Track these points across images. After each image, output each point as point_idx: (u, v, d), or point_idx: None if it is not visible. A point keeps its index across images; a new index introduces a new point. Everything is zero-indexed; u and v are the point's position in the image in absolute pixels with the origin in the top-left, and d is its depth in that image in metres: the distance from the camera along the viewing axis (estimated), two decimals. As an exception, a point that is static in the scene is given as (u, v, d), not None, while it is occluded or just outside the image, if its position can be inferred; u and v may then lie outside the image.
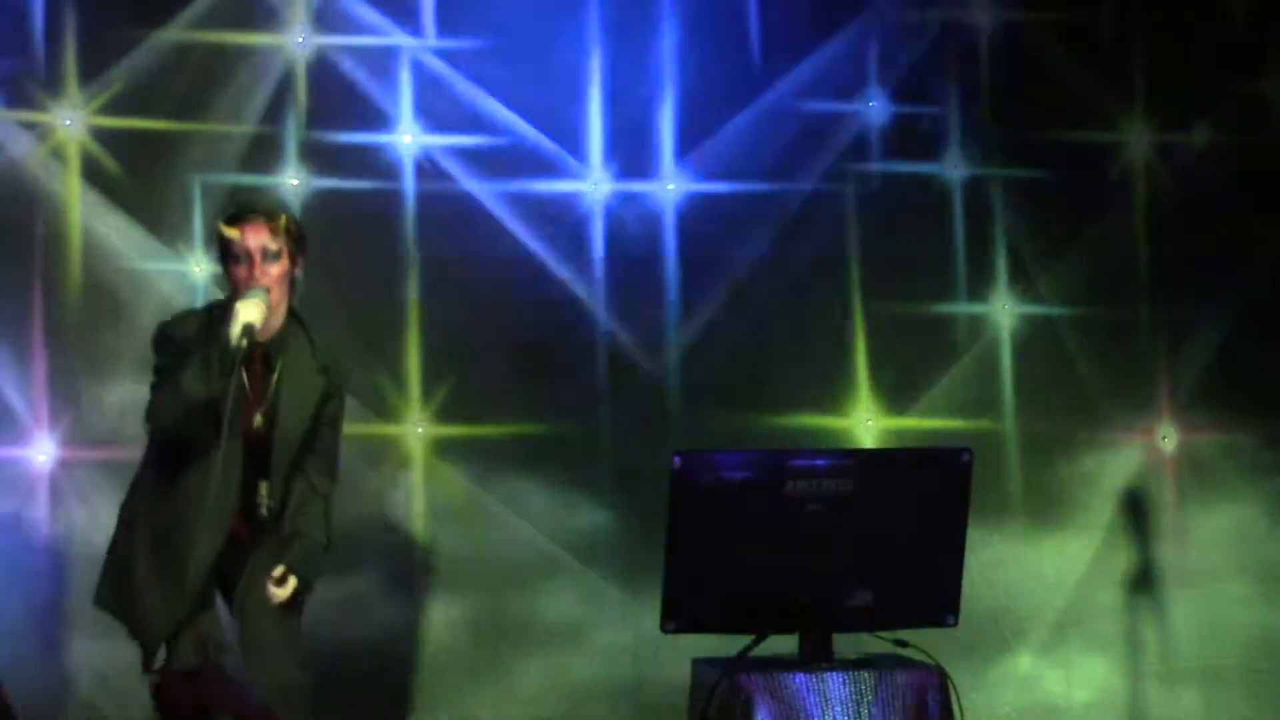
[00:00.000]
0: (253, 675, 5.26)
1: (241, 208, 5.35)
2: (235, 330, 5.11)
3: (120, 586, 5.34)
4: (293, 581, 5.30)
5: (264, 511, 5.34)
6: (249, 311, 5.14)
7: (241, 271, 5.24)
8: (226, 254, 5.29)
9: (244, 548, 5.36)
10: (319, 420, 5.40)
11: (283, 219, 5.30)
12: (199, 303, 6.72)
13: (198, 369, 5.13)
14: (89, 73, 6.78)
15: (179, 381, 5.15)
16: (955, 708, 5.27)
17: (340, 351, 5.57)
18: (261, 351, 5.28)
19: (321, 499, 5.45)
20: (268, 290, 5.22)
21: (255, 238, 5.23)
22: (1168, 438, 7.39)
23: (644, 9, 7.16)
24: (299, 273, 5.37)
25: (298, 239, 5.34)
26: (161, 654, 5.27)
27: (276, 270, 5.26)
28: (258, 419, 5.28)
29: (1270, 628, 7.35)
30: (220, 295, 6.69)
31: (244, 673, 5.28)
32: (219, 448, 5.09)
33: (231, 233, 5.23)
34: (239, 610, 5.35)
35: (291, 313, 5.36)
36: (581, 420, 7.05)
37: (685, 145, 7.17)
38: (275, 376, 5.29)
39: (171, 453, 5.28)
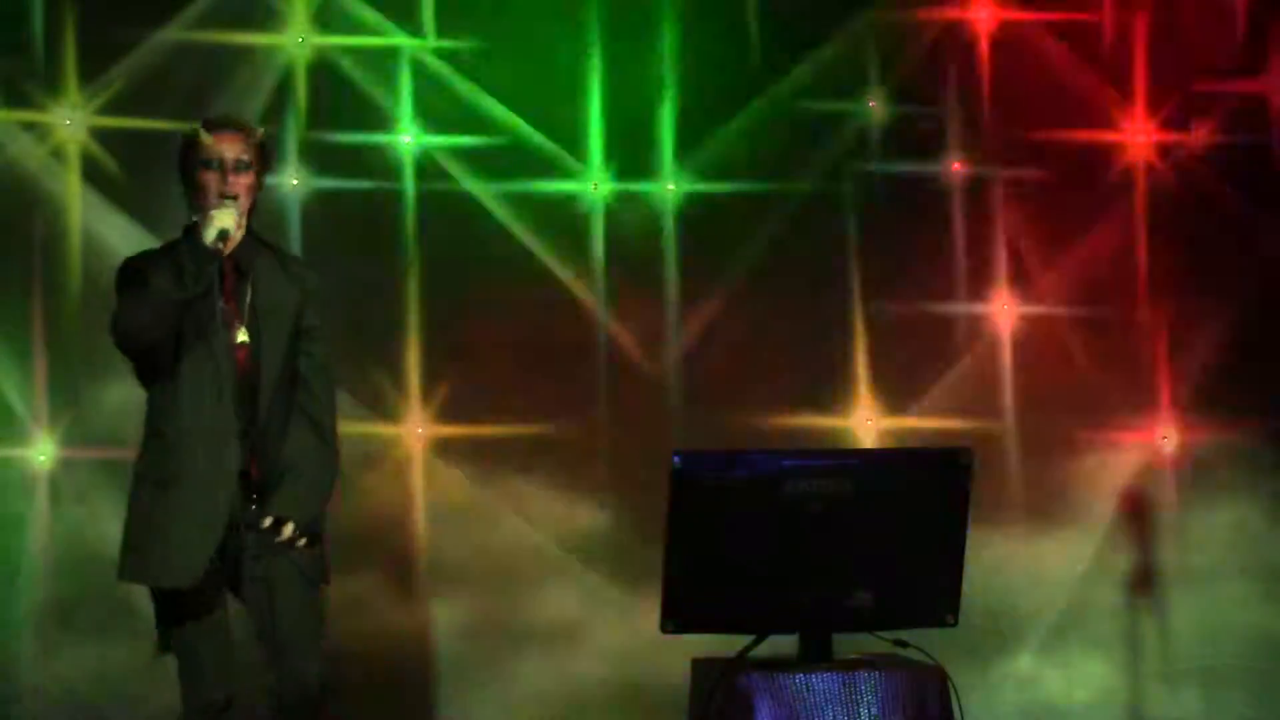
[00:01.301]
0: (273, 670, 5.22)
1: (213, 118, 5.35)
2: (210, 234, 5.11)
3: (139, 543, 5.24)
4: (289, 527, 5.19)
5: (261, 438, 5.25)
6: (224, 218, 5.15)
7: (212, 178, 5.23)
8: (195, 160, 5.26)
9: (258, 490, 5.27)
10: (301, 332, 5.35)
11: (258, 132, 5.32)
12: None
13: (168, 270, 5.13)
14: (89, 73, 6.78)
15: (148, 285, 5.13)
16: (955, 708, 5.26)
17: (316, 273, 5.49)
18: (232, 264, 5.26)
19: (319, 427, 5.36)
20: (238, 199, 5.22)
21: (230, 146, 5.24)
22: (1168, 438, 7.39)
23: (644, 9, 7.16)
24: (258, 192, 5.36)
25: (267, 156, 5.36)
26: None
27: (245, 180, 5.26)
28: (240, 334, 5.24)
29: (1270, 628, 7.34)
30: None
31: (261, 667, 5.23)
32: (204, 352, 5.11)
33: (206, 138, 5.24)
34: (261, 601, 5.26)
35: (251, 232, 5.34)
36: (581, 420, 7.05)
37: (685, 145, 7.17)
38: (250, 287, 5.28)
39: (161, 385, 5.21)
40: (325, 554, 5.39)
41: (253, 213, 5.34)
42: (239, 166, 5.25)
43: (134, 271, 5.26)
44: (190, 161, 5.29)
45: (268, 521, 5.17)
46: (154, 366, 5.24)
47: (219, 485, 5.17)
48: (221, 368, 5.16)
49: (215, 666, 5.18)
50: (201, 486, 5.16)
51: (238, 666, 5.22)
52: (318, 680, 5.25)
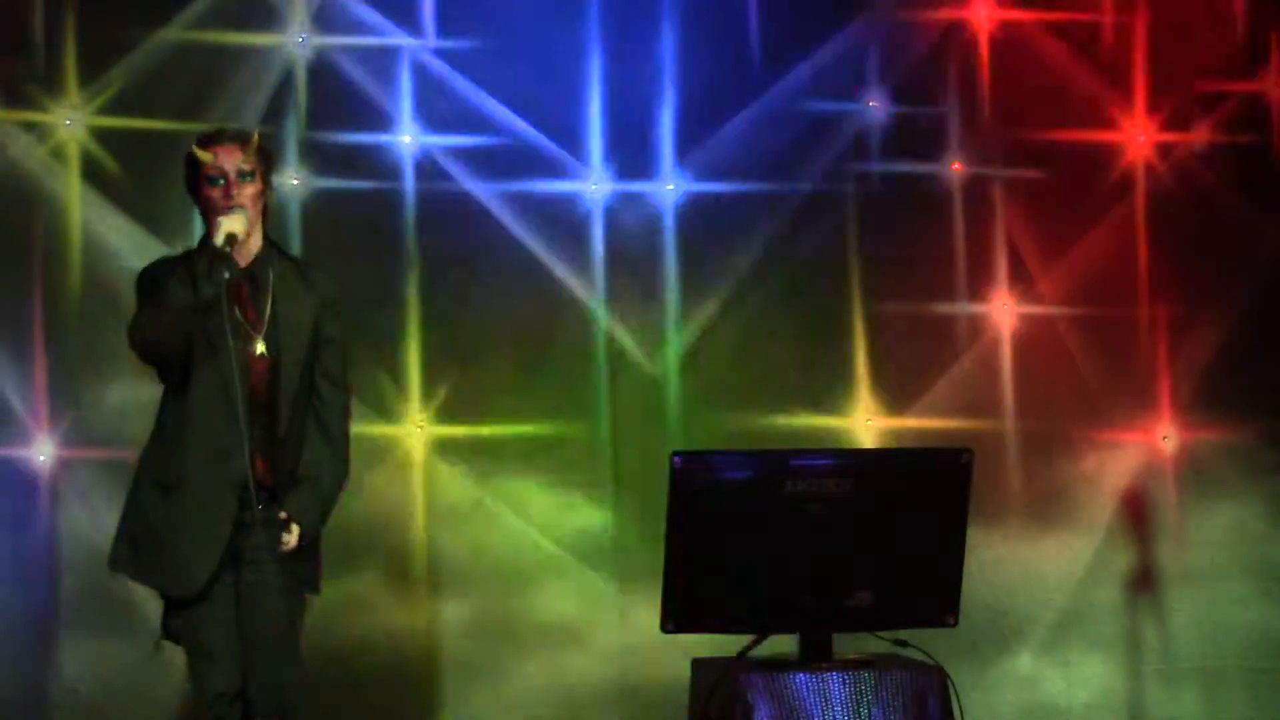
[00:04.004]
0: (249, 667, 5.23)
1: (213, 131, 5.36)
2: (219, 238, 5.13)
3: (131, 540, 5.29)
4: (294, 532, 5.24)
5: (280, 448, 5.27)
6: (232, 223, 5.16)
7: (216, 193, 5.24)
8: (198, 177, 5.27)
9: (268, 494, 5.28)
10: (319, 342, 5.37)
11: (255, 138, 5.31)
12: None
13: (182, 277, 5.15)
14: (89, 73, 6.78)
15: (163, 293, 5.16)
16: (955, 708, 5.27)
17: (335, 279, 5.50)
18: (250, 275, 5.26)
19: (331, 438, 5.39)
20: (245, 208, 5.22)
21: (229, 159, 5.24)
22: (1168, 438, 7.39)
23: (644, 9, 7.16)
24: (270, 195, 5.37)
25: (269, 159, 5.36)
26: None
27: (251, 189, 5.26)
28: (259, 347, 5.24)
29: (1270, 628, 7.35)
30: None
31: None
32: (217, 361, 5.12)
33: (205, 155, 5.24)
34: (246, 606, 5.28)
35: (268, 238, 5.35)
36: (581, 420, 7.05)
37: (685, 145, 7.17)
38: (269, 298, 5.28)
39: (175, 390, 5.24)
40: (318, 563, 5.41)
41: (267, 218, 5.34)
42: (242, 177, 5.25)
43: (150, 280, 5.28)
44: (195, 179, 5.30)
45: (282, 515, 5.20)
46: (172, 372, 5.26)
47: (223, 496, 5.19)
48: (233, 378, 5.15)
49: (224, 655, 5.19)
50: (205, 496, 5.19)
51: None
52: (290, 692, 5.27)
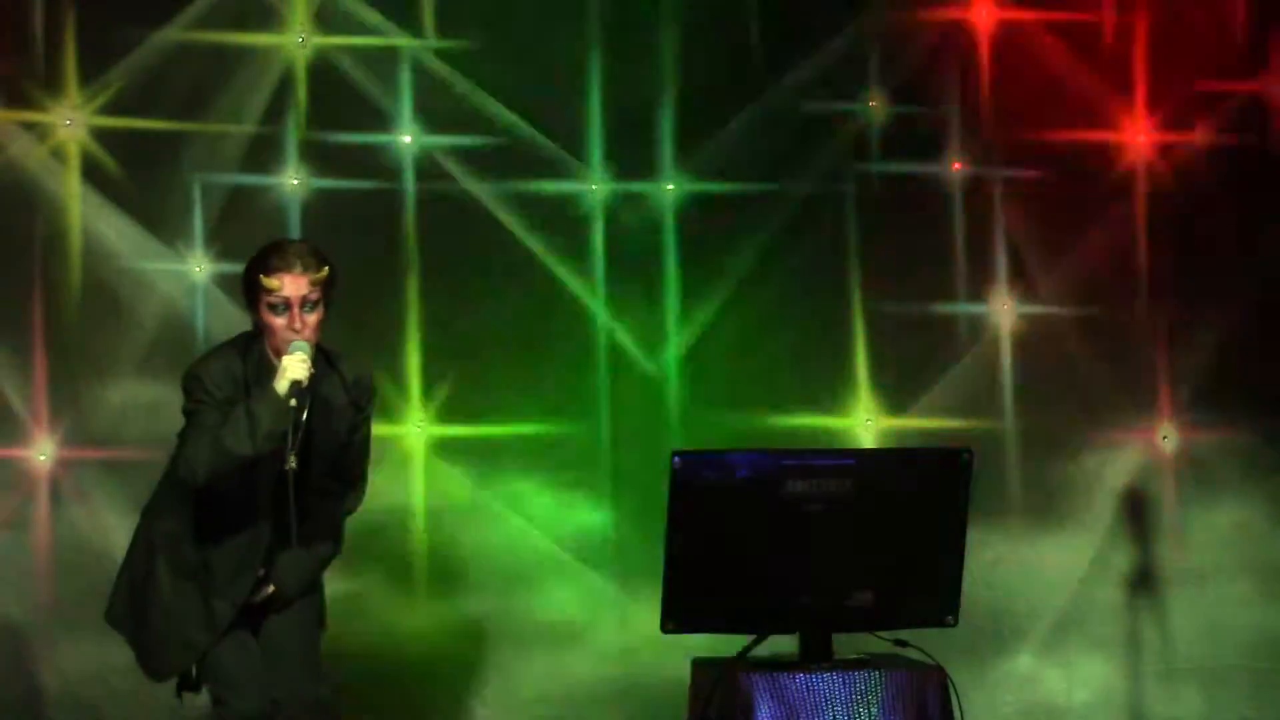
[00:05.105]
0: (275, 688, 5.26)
1: (280, 254, 5.18)
2: (284, 385, 5.06)
3: (137, 609, 5.29)
4: (270, 591, 5.29)
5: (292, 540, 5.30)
6: (296, 369, 5.07)
7: (279, 321, 5.14)
8: (259, 299, 5.16)
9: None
10: (349, 441, 5.37)
11: (325, 271, 5.18)
12: (199, 302, 6.75)
13: (241, 427, 5.06)
14: (89, 73, 6.78)
15: (221, 440, 5.07)
16: (955, 708, 5.27)
17: (366, 369, 5.45)
18: (292, 392, 5.21)
19: (335, 507, 5.41)
20: (310, 343, 5.14)
21: (296, 289, 5.13)
22: (1168, 438, 7.39)
23: (644, 9, 7.15)
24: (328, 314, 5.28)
25: (334, 283, 5.24)
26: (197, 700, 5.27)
27: (314, 319, 5.16)
28: (291, 460, 5.20)
29: (1270, 628, 7.35)
30: (221, 296, 6.70)
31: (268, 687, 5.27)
32: (254, 499, 5.15)
33: (273, 284, 5.11)
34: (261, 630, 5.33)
35: (319, 349, 5.27)
36: (581, 420, 7.05)
37: (685, 145, 7.17)
38: (306, 416, 5.24)
39: (201, 497, 5.23)
40: (323, 601, 5.45)
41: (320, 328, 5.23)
42: (307, 307, 5.15)
43: (204, 397, 5.15)
44: (255, 296, 5.17)
45: (268, 590, 5.26)
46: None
47: (232, 593, 5.23)
48: (263, 493, 5.19)
49: (247, 681, 5.20)
50: (219, 596, 5.22)
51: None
52: (320, 696, 5.31)
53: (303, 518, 5.27)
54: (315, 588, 5.45)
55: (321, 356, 5.28)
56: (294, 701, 5.26)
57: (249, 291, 5.20)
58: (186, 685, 5.28)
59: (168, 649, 5.23)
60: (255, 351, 5.22)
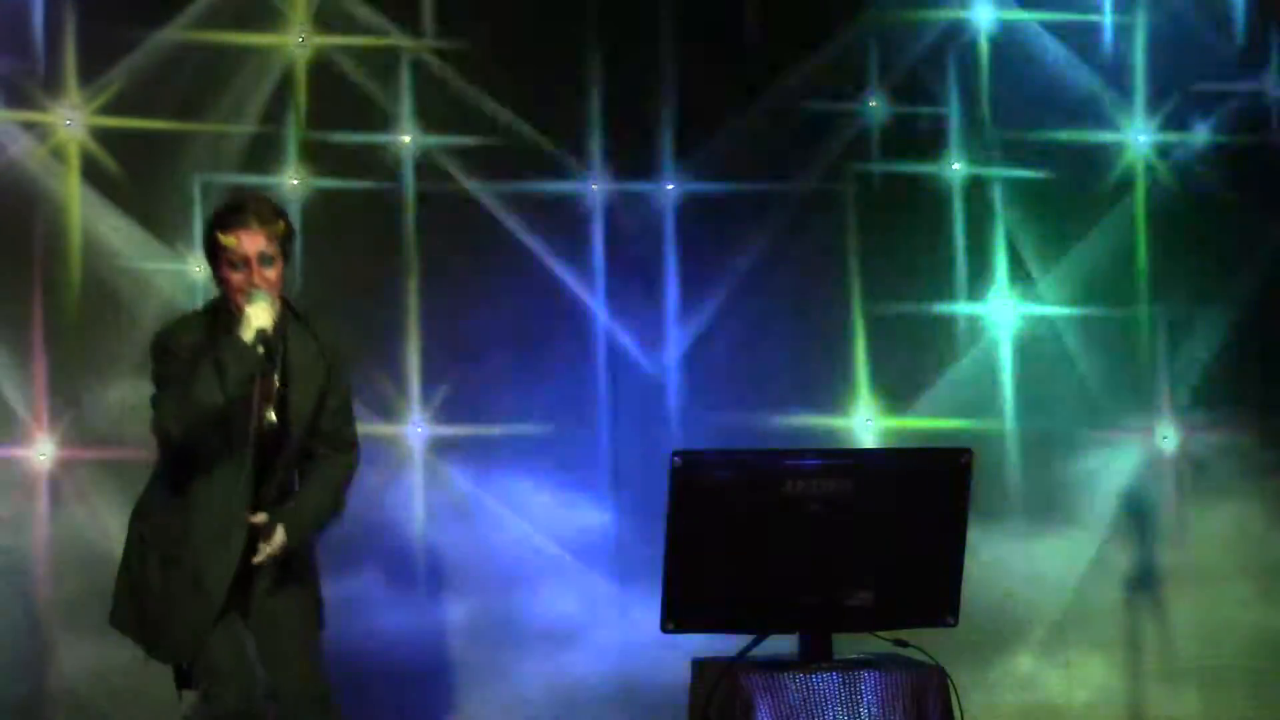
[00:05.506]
0: (274, 685, 5.25)
1: (235, 211, 5.25)
2: (249, 334, 5.09)
3: (137, 608, 5.30)
4: (278, 535, 5.23)
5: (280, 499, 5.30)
6: (260, 316, 5.11)
7: (238, 277, 5.20)
8: (219, 257, 5.23)
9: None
10: (324, 401, 5.37)
11: (280, 225, 5.24)
12: (199, 302, 6.73)
13: (209, 376, 5.09)
14: (89, 73, 6.78)
15: (190, 390, 5.11)
16: (955, 708, 5.26)
17: (336, 332, 5.47)
18: (261, 345, 5.25)
19: (329, 468, 5.40)
20: (268, 294, 5.19)
21: (252, 244, 5.19)
22: (1168, 438, 7.40)
23: (644, 9, 7.15)
24: (287, 262, 5.33)
25: (291, 235, 5.31)
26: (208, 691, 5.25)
27: (273, 273, 5.22)
28: (269, 416, 5.24)
29: (1270, 628, 7.35)
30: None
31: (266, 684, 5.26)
32: (232, 457, 5.13)
33: (229, 240, 5.18)
34: (258, 617, 5.31)
35: (285, 303, 5.33)
36: (581, 420, 7.05)
37: (685, 145, 7.17)
38: (279, 371, 5.26)
39: (180, 464, 5.24)
40: (320, 600, 5.44)
41: (281, 281, 5.28)
42: (265, 261, 5.20)
43: (170, 354, 5.22)
44: (214, 252, 5.24)
45: (260, 517, 5.18)
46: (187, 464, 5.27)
47: (224, 566, 5.21)
48: (243, 455, 5.19)
49: (234, 674, 5.19)
50: (207, 566, 5.21)
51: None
52: (320, 691, 5.30)
53: (292, 479, 5.30)
54: (314, 585, 5.45)
55: (289, 312, 5.32)
56: (295, 695, 5.25)
57: (208, 250, 5.26)
58: (185, 683, 5.28)
59: (171, 633, 5.22)
60: (223, 311, 5.25)
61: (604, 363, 7.10)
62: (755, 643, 5.26)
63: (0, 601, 6.62)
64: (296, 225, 6.76)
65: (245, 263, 5.19)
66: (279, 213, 5.29)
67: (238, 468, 5.17)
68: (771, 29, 7.22)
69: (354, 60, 6.98)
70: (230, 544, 5.21)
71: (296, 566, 5.36)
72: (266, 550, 5.23)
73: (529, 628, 6.97)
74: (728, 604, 5.26)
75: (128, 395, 6.54)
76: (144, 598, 5.27)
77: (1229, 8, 7.49)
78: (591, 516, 7.04)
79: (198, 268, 6.78)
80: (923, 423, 7.22)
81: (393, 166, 7.01)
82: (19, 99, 6.76)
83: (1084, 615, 7.27)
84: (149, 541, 5.28)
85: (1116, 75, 7.43)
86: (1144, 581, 7.32)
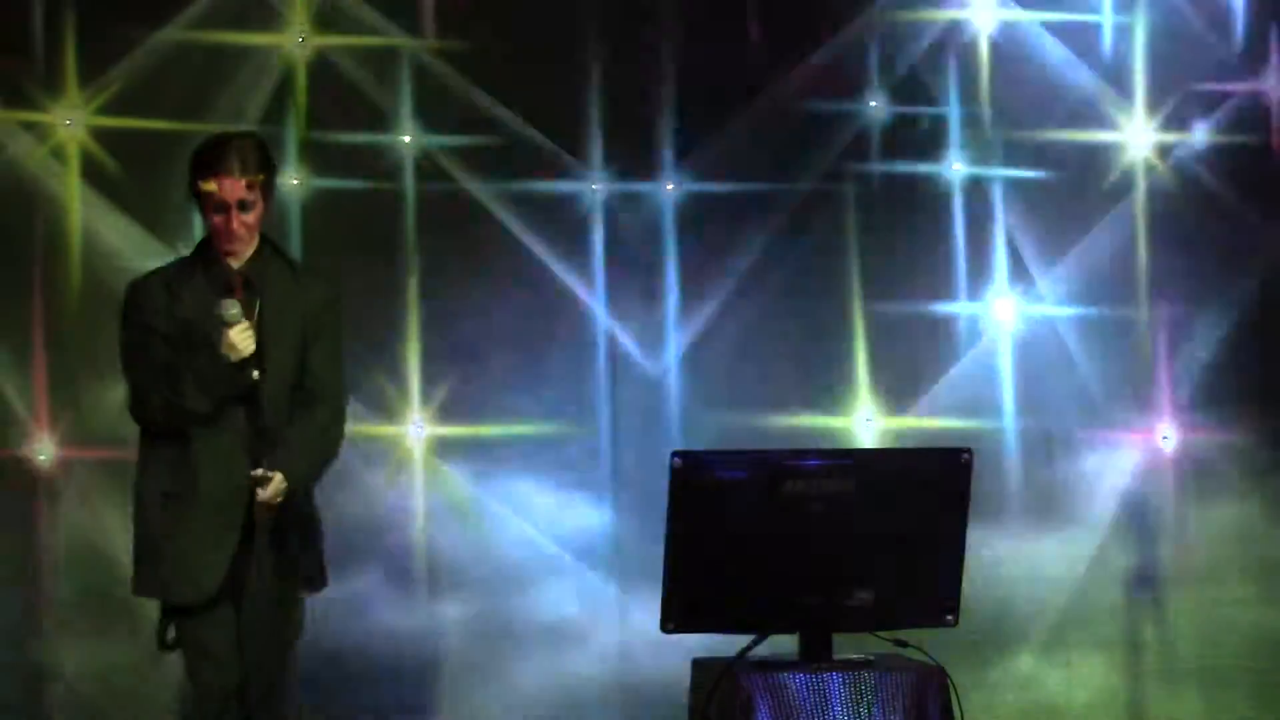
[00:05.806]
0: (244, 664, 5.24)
1: (216, 157, 5.21)
2: (231, 357, 5.13)
3: (151, 559, 5.27)
4: (276, 480, 5.18)
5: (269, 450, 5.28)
6: (243, 341, 5.13)
7: (219, 221, 5.20)
8: (201, 199, 5.22)
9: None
10: (309, 341, 5.36)
11: (260, 175, 5.22)
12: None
13: (195, 394, 5.15)
14: (89, 73, 6.78)
15: (180, 398, 5.15)
16: (955, 708, 5.26)
17: (334, 289, 5.46)
18: (241, 280, 5.25)
19: (317, 413, 5.35)
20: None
21: (232, 192, 5.18)
22: (1168, 437, 7.39)
23: (644, 9, 7.15)
24: (272, 199, 5.32)
25: (272, 171, 5.29)
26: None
27: (252, 218, 5.22)
28: (252, 373, 5.21)
29: (1270, 628, 7.35)
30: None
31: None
32: (220, 420, 5.16)
33: (209, 186, 5.18)
34: (244, 598, 5.29)
35: (264, 238, 5.32)
36: (581, 420, 7.05)
37: (685, 145, 7.17)
38: (258, 309, 5.25)
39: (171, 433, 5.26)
40: (322, 556, 5.41)
41: (269, 211, 5.30)
42: (244, 207, 5.21)
43: (136, 329, 5.24)
44: (196, 194, 5.25)
45: (259, 471, 5.16)
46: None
47: (229, 501, 5.19)
48: (232, 409, 5.19)
49: (223, 654, 5.19)
50: (211, 502, 5.19)
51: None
52: (280, 691, 5.28)
53: (282, 428, 5.27)
54: (316, 543, 5.42)
55: (266, 243, 5.31)
56: (256, 678, 5.23)
57: (193, 189, 5.25)
58: (166, 644, 5.26)
59: (201, 570, 5.17)
60: (208, 250, 5.27)
61: (604, 363, 7.10)
62: (755, 643, 5.25)
63: (0, 601, 6.62)
64: (296, 225, 6.84)
65: (225, 209, 5.19)
66: (261, 159, 5.26)
67: (231, 422, 5.18)
68: (771, 29, 7.22)
69: (354, 60, 6.98)
70: (233, 477, 5.18)
71: (294, 546, 5.33)
72: (264, 496, 5.17)
73: (529, 628, 6.96)
74: (728, 604, 5.26)
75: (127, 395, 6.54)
76: (150, 545, 5.24)
77: (1229, 8, 7.49)
78: (591, 517, 7.03)
79: (198, 268, 6.78)
80: (923, 422, 7.22)
81: (392, 166, 7.01)
82: (19, 99, 6.76)
83: (1084, 615, 7.27)
84: (147, 483, 5.27)
85: (1116, 75, 7.44)
86: (1144, 581, 7.32)
